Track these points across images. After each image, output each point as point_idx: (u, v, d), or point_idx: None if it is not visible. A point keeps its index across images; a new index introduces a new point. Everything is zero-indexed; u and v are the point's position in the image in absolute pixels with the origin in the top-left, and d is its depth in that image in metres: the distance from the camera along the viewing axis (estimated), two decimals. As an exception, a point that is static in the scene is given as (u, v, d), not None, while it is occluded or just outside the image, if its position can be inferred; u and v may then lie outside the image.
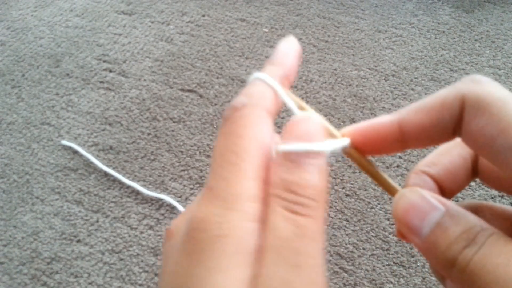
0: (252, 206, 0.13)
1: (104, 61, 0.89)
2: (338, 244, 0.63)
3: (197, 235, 0.13)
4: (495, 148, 0.14)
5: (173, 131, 0.76)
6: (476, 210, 0.19)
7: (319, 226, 0.13)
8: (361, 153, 0.18)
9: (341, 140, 0.18)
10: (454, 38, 0.93)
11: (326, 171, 0.15)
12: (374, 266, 0.61)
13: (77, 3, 1.02)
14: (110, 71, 0.87)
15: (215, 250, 0.12)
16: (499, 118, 0.14)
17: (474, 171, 0.20)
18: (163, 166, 0.71)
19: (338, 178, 0.69)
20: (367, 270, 0.61)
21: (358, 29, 0.94)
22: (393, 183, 0.19)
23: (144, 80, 0.85)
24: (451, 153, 0.19)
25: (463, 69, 0.86)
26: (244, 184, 0.14)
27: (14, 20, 0.99)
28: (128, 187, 0.69)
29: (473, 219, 0.15)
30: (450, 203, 0.16)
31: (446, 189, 0.19)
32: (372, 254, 0.62)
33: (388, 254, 0.62)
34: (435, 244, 0.15)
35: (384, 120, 0.18)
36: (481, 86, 0.15)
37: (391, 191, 0.18)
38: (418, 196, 0.16)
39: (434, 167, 0.19)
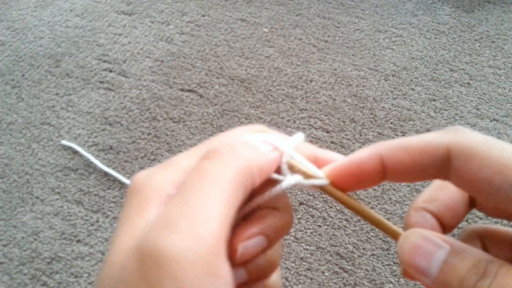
0: (179, 173, 0.17)
1: (104, 61, 0.89)
2: (338, 244, 0.63)
3: (131, 188, 0.17)
4: (495, 188, 0.15)
5: (173, 131, 0.76)
6: (480, 235, 0.20)
7: (221, 170, 0.16)
8: (343, 191, 0.19)
9: (318, 181, 0.18)
10: (454, 38, 0.93)
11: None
12: (374, 266, 0.61)
13: (77, 3, 1.02)
14: (110, 71, 0.87)
15: (139, 194, 0.17)
16: (491, 161, 0.15)
17: (471, 203, 0.20)
18: (163, 166, 0.71)
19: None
20: (367, 270, 0.61)
21: (358, 29, 0.94)
22: (388, 222, 0.19)
23: (144, 80, 0.85)
24: (449, 188, 0.20)
25: (463, 69, 0.86)
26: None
27: (14, 20, 0.99)
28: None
29: (479, 253, 0.16)
30: (452, 240, 0.16)
31: (446, 224, 0.20)
32: (372, 254, 0.62)
33: (388, 254, 0.62)
34: (446, 282, 0.15)
35: (364, 156, 0.18)
36: (465, 135, 0.17)
37: (386, 230, 0.19)
38: (420, 237, 0.17)
39: (434, 203, 0.19)
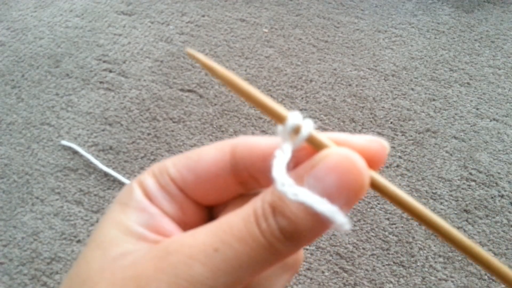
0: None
1: (104, 62, 0.89)
2: (338, 244, 0.63)
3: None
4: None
5: (173, 131, 0.76)
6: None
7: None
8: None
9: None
10: (453, 38, 0.93)
11: None
12: (374, 266, 0.61)
13: (77, 3, 1.02)
14: (110, 71, 0.87)
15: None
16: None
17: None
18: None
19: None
20: (367, 270, 0.61)
21: (357, 29, 0.95)
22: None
23: (144, 80, 0.85)
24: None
25: (463, 69, 0.86)
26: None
27: (14, 20, 0.99)
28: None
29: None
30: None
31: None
32: (372, 254, 0.62)
33: (388, 254, 0.62)
34: None
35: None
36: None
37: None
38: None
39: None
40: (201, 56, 0.15)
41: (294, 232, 0.13)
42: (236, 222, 0.14)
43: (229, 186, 0.17)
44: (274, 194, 0.14)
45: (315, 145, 0.15)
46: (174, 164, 0.17)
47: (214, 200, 0.17)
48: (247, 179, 0.17)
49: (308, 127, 0.14)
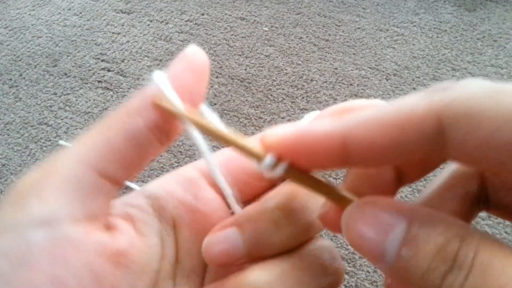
0: None
1: (102, 60, 0.88)
2: (339, 245, 0.62)
3: None
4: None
5: (172, 131, 0.76)
6: (479, 172, 0.15)
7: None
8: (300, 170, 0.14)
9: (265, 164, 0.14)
10: (456, 37, 0.92)
11: None
12: (375, 267, 0.60)
13: (75, 1, 1.01)
14: (108, 70, 0.86)
15: None
16: (505, 119, 0.11)
17: (401, 179, 0.15)
18: (161, 167, 0.71)
19: (339, 178, 0.69)
20: (368, 271, 0.60)
21: (359, 28, 0.94)
22: (352, 197, 0.14)
23: (143, 79, 0.84)
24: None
25: (465, 68, 0.86)
26: None
27: (12, 19, 0.98)
28: (127, 187, 0.68)
29: (446, 227, 0.11)
30: (416, 207, 0.12)
31: (407, 174, 0.15)
32: (374, 256, 0.61)
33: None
34: (406, 272, 0.11)
35: (321, 131, 0.13)
36: (460, 92, 0.12)
37: (334, 199, 0.14)
38: (369, 212, 0.12)
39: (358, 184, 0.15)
40: (167, 105, 0.15)
41: None
42: None
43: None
44: None
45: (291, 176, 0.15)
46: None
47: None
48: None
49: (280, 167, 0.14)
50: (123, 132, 0.15)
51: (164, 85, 0.15)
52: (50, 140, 0.75)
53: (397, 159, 0.13)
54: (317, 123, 0.13)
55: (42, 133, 0.76)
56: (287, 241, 0.16)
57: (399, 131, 0.12)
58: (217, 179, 0.16)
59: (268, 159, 0.14)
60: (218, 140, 0.15)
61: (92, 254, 0.14)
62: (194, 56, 0.16)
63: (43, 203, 0.13)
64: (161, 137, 0.15)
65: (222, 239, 0.15)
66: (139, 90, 0.16)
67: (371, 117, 0.12)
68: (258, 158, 0.14)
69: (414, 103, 0.12)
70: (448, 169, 0.16)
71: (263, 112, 0.78)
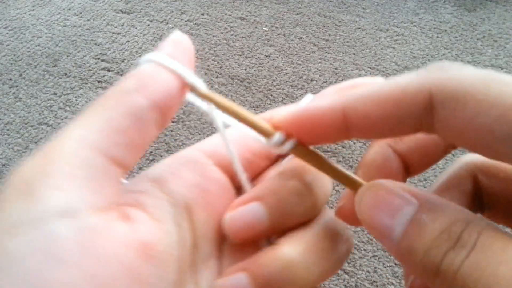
0: None
1: (102, 60, 0.88)
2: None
3: None
4: (496, 139, 0.12)
5: (172, 131, 0.76)
6: (472, 172, 0.17)
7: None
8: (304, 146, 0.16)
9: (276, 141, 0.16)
10: (456, 37, 0.92)
11: None
12: (375, 267, 0.60)
13: (75, 1, 1.01)
14: (108, 70, 0.86)
15: None
16: (490, 103, 0.11)
17: (449, 145, 0.17)
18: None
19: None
20: (368, 271, 0.60)
21: (359, 28, 0.94)
22: (350, 174, 0.16)
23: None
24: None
25: (465, 68, 0.86)
26: None
27: (12, 19, 0.98)
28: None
29: (453, 211, 0.12)
30: (425, 193, 0.13)
31: (412, 166, 0.17)
32: (374, 256, 0.61)
33: (390, 255, 0.62)
34: (410, 249, 0.12)
35: (323, 107, 0.14)
36: (453, 73, 0.13)
37: (348, 183, 0.16)
38: (384, 189, 0.13)
39: (401, 142, 0.16)
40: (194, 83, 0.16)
41: None
42: None
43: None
44: None
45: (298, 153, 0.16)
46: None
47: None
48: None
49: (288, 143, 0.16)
50: (126, 112, 0.14)
51: (165, 60, 0.15)
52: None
53: (393, 131, 0.14)
54: (321, 100, 0.15)
55: (42, 133, 0.76)
56: (310, 211, 0.16)
57: (393, 104, 0.13)
58: (233, 159, 0.17)
59: (277, 136, 0.15)
60: (233, 116, 0.16)
61: (121, 247, 0.12)
62: (180, 40, 0.17)
63: (58, 193, 0.12)
64: (159, 119, 0.15)
65: (245, 213, 0.16)
66: (132, 72, 0.16)
67: (369, 92, 0.14)
68: (267, 135, 0.16)
69: (410, 79, 0.13)
70: (444, 174, 0.18)
71: (263, 112, 0.78)
